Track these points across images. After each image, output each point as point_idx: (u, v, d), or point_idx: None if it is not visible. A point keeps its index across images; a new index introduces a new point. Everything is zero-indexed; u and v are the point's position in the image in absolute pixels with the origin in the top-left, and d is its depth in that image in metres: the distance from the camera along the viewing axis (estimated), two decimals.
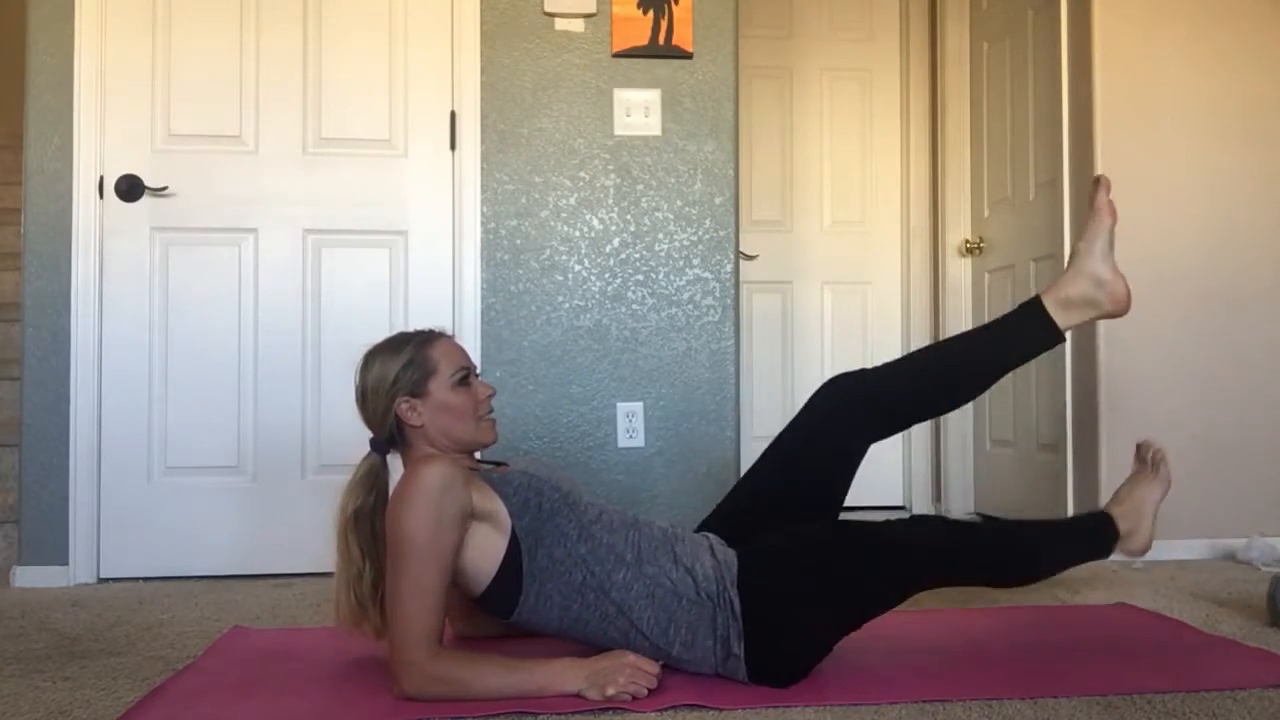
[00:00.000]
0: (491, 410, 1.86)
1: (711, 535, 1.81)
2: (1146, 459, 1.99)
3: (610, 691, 1.59)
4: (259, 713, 1.59)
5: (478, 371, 1.89)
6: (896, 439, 4.13)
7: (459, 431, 1.80)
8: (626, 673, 1.61)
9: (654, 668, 1.63)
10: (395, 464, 1.81)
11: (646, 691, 1.60)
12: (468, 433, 1.81)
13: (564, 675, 1.61)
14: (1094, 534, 1.91)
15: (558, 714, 1.55)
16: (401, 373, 1.77)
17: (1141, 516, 1.93)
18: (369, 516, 1.76)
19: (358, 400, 1.82)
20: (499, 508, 1.68)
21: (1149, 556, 2.94)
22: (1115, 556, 1.93)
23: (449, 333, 1.88)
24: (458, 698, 1.58)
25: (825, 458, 1.89)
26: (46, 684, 1.77)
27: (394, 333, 1.88)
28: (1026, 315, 1.93)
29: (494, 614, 1.76)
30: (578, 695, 1.59)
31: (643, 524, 1.78)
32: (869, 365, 1.99)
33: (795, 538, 1.75)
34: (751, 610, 1.66)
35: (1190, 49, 3.11)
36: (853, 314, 4.20)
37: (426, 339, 1.82)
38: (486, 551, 1.68)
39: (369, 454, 1.81)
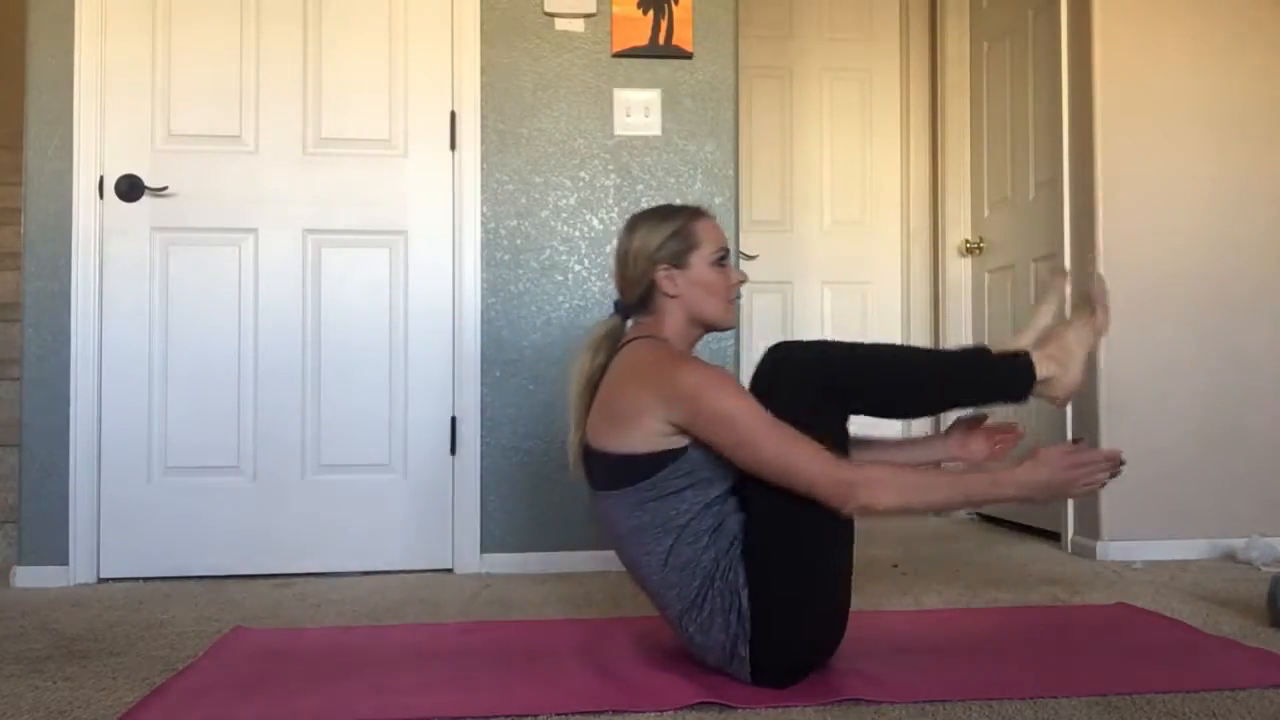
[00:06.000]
0: (739, 296, 1.87)
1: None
2: (1089, 298, 1.91)
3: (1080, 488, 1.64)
4: (260, 713, 1.59)
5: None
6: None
7: (709, 308, 1.83)
8: (1078, 468, 1.65)
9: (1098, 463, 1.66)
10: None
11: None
12: (717, 311, 1.84)
13: (1005, 483, 1.64)
14: (1012, 373, 1.83)
15: (558, 714, 1.55)
16: (667, 241, 1.80)
17: (1067, 359, 1.84)
18: (598, 376, 1.80)
19: (618, 260, 1.86)
20: None
21: (1150, 556, 2.96)
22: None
23: (712, 213, 1.90)
24: (904, 505, 1.61)
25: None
26: (46, 684, 1.77)
27: (660, 204, 1.89)
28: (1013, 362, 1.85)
29: (590, 476, 1.78)
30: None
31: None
32: None
33: (762, 524, 1.72)
34: (760, 620, 1.65)
35: (1190, 49, 3.11)
36: (853, 314, 4.20)
37: (694, 214, 1.85)
38: (657, 436, 1.67)
39: (611, 315, 1.86)
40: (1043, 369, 1.82)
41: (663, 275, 1.80)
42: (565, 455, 1.87)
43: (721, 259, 1.83)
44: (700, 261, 1.81)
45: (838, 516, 1.64)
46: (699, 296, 1.81)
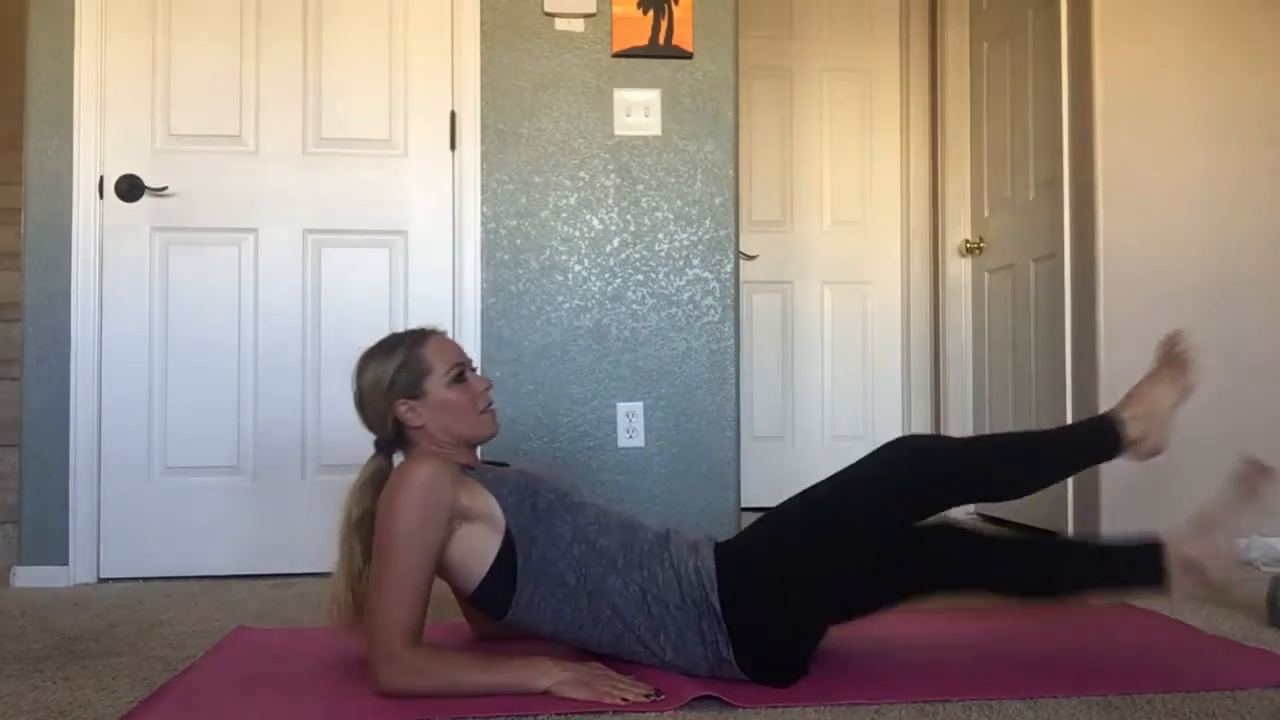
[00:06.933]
0: (490, 403, 1.86)
1: (702, 536, 1.79)
2: (1172, 355, 1.90)
3: (600, 691, 1.58)
4: (260, 713, 1.59)
5: (474, 366, 1.89)
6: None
7: (460, 427, 1.80)
8: (605, 682, 1.60)
9: (630, 685, 1.61)
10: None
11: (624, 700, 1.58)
12: (468, 427, 1.81)
13: (539, 673, 1.61)
14: (1099, 439, 1.85)
15: (558, 714, 1.55)
16: (396, 375, 1.77)
17: (1155, 419, 1.85)
18: (373, 519, 1.73)
19: (356, 405, 1.83)
20: (492, 507, 1.69)
21: None
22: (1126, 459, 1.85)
23: (441, 329, 1.87)
24: (435, 692, 1.59)
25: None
26: (46, 684, 1.77)
27: (386, 335, 1.87)
28: (1141, 551, 1.79)
29: (487, 614, 1.76)
30: (546, 693, 1.59)
31: (638, 526, 1.77)
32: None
33: (767, 530, 1.75)
34: (733, 614, 1.65)
35: (1190, 50, 3.11)
36: (853, 314, 4.20)
37: (419, 339, 1.82)
38: (479, 550, 1.68)
39: (374, 456, 1.82)
40: (1132, 430, 1.83)
41: (403, 409, 1.77)
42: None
43: (458, 376, 1.80)
44: (436, 385, 1.78)
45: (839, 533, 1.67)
46: (446, 419, 1.78)
